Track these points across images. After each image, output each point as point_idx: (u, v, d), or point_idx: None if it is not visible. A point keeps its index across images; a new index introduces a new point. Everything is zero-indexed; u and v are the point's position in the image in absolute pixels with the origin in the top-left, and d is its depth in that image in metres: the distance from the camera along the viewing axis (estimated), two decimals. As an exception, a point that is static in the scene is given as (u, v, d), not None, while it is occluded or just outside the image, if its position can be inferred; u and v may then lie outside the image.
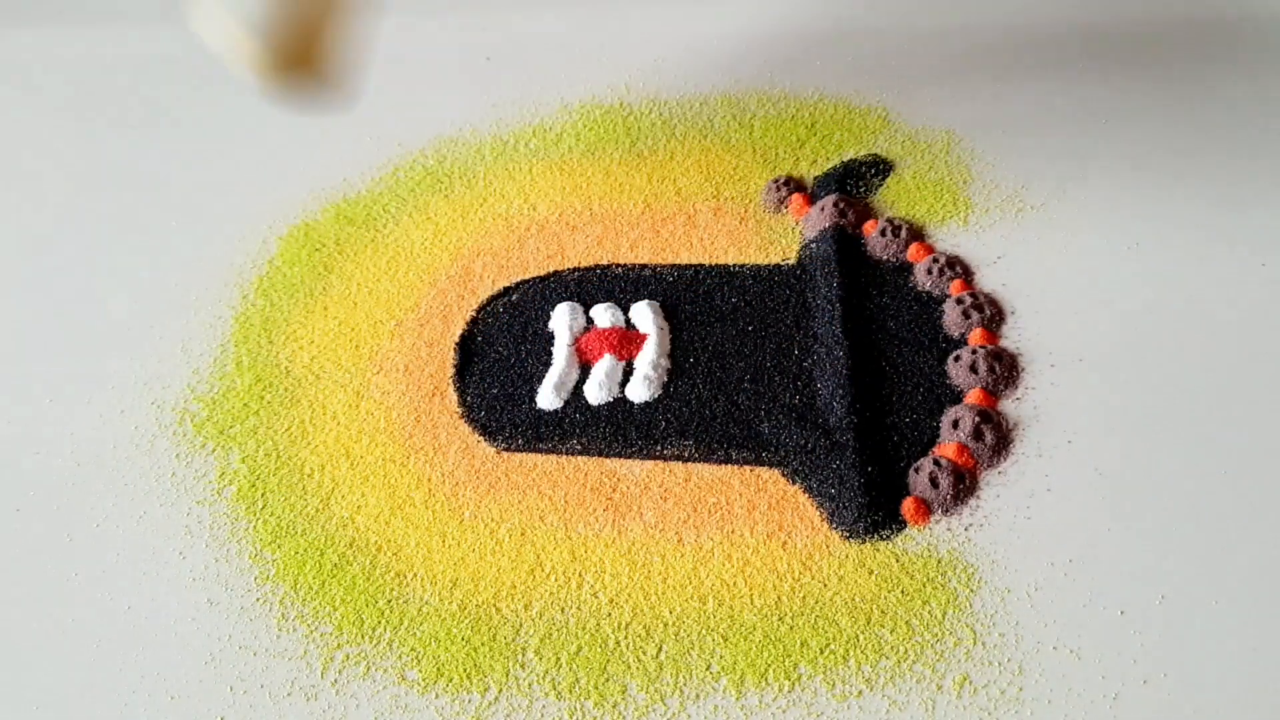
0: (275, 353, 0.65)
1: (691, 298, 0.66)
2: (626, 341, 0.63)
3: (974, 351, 0.60)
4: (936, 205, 0.70)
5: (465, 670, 0.50)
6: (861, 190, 0.71)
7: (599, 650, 0.50)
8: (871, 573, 0.52)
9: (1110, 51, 0.81)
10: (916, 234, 0.68)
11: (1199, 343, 0.60)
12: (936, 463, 0.55)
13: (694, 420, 0.59)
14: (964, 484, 0.55)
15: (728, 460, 0.57)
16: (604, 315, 0.65)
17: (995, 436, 0.56)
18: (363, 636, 0.52)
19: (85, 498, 0.59)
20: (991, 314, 0.62)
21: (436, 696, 0.49)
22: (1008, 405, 0.58)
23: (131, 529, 0.57)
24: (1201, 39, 0.81)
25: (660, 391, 0.61)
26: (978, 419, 0.56)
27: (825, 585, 0.52)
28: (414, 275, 0.69)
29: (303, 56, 0.51)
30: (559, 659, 0.50)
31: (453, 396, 0.62)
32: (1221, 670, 0.47)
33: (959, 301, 0.62)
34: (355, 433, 0.60)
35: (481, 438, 0.60)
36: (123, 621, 0.53)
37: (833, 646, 0.49)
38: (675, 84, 0.82)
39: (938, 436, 0.57)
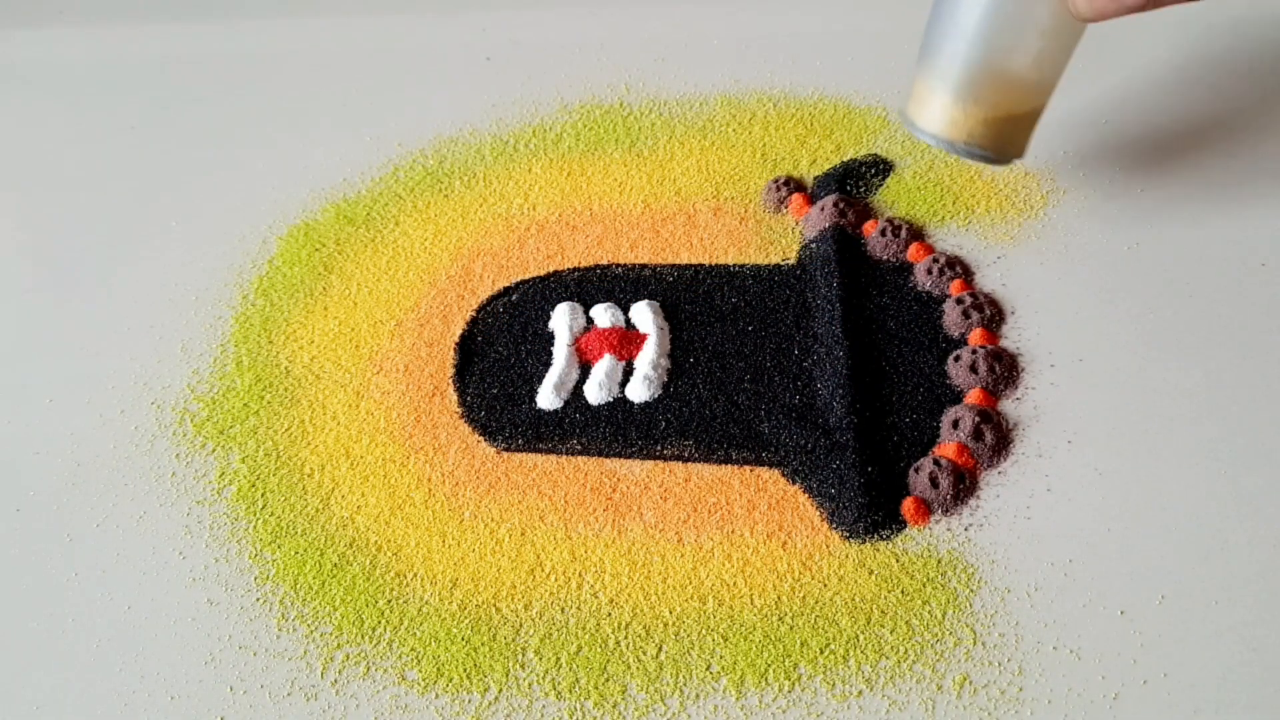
0: (275, 353, 0.65)
1: (691, 298, 0.66)
2: (626, 341, 0.63)
3: (974, 351, 0.60)
4: (936, 205, 0.70)
5: (465, 670, 0.50)
6: (861, 190, 0.71)
7: (599, 650, 0.50)
8: (871, 573, 0.52)
9: (1110, 51, 0.81)
10: (916, 234, 0.68)
11: (1199, 343, 0.60)
12: (936, 463, 0.55)
13: (694, 420, 0.59)
14: (964, 484, 0.55)
15: (728, 460, 0.57)
16: (604, 315, 0.65)
17: (995, 436, 0.56)
18: (363, 636, 0.52)
19: (85, 498, 0.59)
20: (991, 314, 0.62)
21: (436, 696, 0.49)
22: (1008, 405, 0.59)
23: (131, 529, 0.57)
24: (1201, 39, 0.81)
25: (660, 391, 0.61)
26: (978, 419, 0.56)
27: (825, 585, 0.52)
28: (414, 275, 0.69)
29: (1014, 127, 0.54)
30: (559, 659, 0.50)
31: (453, 396, 0.62)
32: (1221, 670, 0.47)
33: (959, 301, 0.63)
34: (355, 433, 0.60)
35: (481, 438, 0.60)
36: (123, 621, 0.53)
37: (833, 646, 0.49)
38: (675, 84, 0.82)
39: (938, 436, 0.57)
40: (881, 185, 0.72)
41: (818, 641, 0.50)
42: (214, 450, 0.60)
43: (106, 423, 0.63)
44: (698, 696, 0.48)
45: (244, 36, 0.92)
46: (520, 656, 0.50)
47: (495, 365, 0.63)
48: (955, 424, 0.57)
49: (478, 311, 0.66)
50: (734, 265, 0.67)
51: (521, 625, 0.51)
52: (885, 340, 0.62)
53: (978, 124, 0.52)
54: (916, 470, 0.55)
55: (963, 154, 0.54)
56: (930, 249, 0.67)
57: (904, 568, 0.52)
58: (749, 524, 0.54)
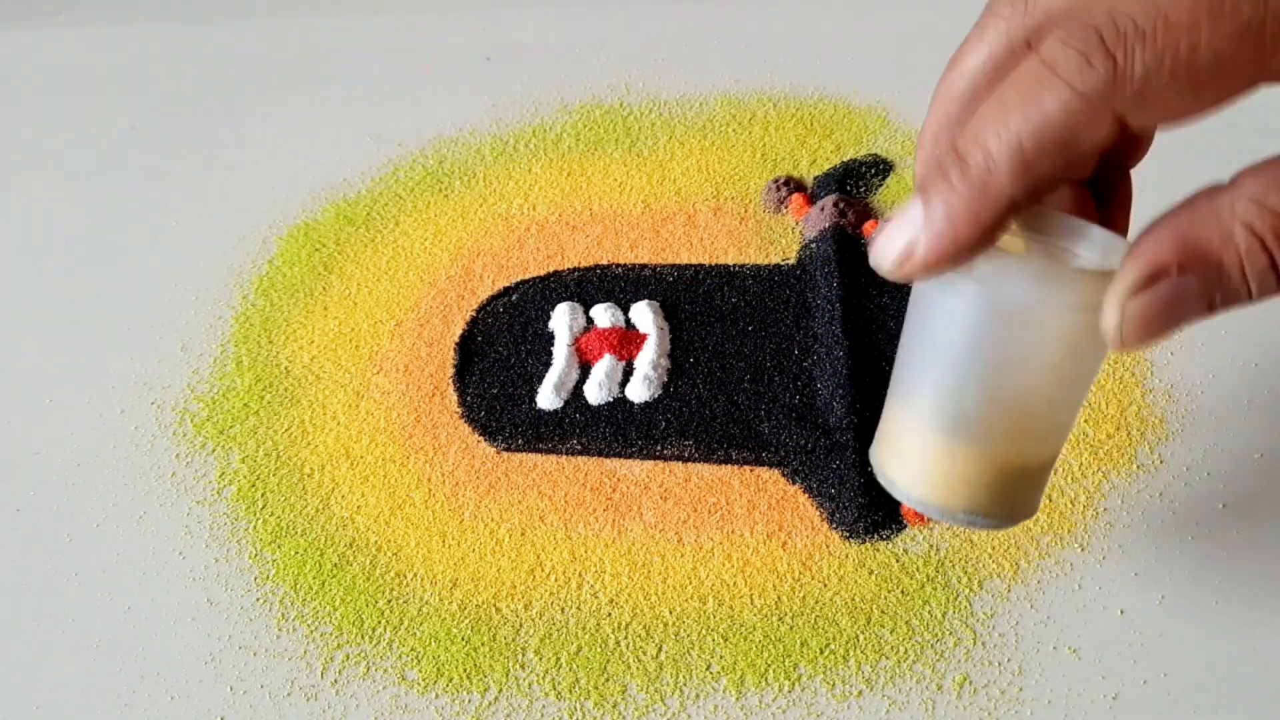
0: (275, 353, 0.65)
1: (691, 298, 0.66)
2: (626, 341, 0.63)
3: (974, 351, 0.60)
4: (936, 205, 0.69)
5: (465, 670, 0.50)
6: (861, 190, 0.71)
7: (599, 650, 0.50)
8: (871, 573, 0.52)
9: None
10: (916, 234, 0.68)
11: (1197, 341, 0.60)
12: (936, 463, 0.55)
13: (694, 420, 0.59)
14: (964, 484, 0.55)
15: (728, 460, 0.57)
16: (604, 315, 0.65)
17: (995, 436, 0.56)
18: (363, 636, 0.52)
19: (85, 498, 0.59)
20: (991, 314, 0.62)
21: (436, 696, 0.49)
22: (1008, 405, 0.58)
23: (131, 529, 0.57)
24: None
25: (660, 391, 0.61)
26: (978, 419, 0.56)
27: (825, 585, 0.52)
28: (414, 275, 0.69)
29: (1024, 482, 0.39)
30: (559, 659, 0.50)
31: (453, 396, 0.62)
32: (1221, 670, 0.47)
33: (959, 301, 0.62)
34: (355, 433, 0.60)
35: (481, 438, 0.60)
36: (123, 621, 0.53)
37: (833, 646, 0.49)
38: (675, 84, 0.82)
39: (938, 436, 0.57)
40: (881, 185, 0.72)
41: (818, 641, 0.50)
42: (214, 450, 0.60)
43: (106, 423, 0.63)
44: (698, 696, 0.48)
45: (244, 36, 0.92)
46: (520, 656, 0.50)
47: (495, 365, 0.63)
48: (955, 424, 0.57)
49: (478, 311, 0.66)
50: (734, 265, 0.67)
51: (521, 625, 0.51)
52: (885, 340, 0.62)
53: (978, 486, 0.38)
54: (916, 470, 0.55)
55: (960, 522, 0.39)
56: (930, 249, 0.67)
57: (904, 568, 0.52)
58: (749, 524, 0.54)
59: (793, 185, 0.71)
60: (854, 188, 0.71)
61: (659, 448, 0.58)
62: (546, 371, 0.62)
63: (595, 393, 0.61)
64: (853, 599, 0.51)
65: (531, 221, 0.72)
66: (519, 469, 0.58)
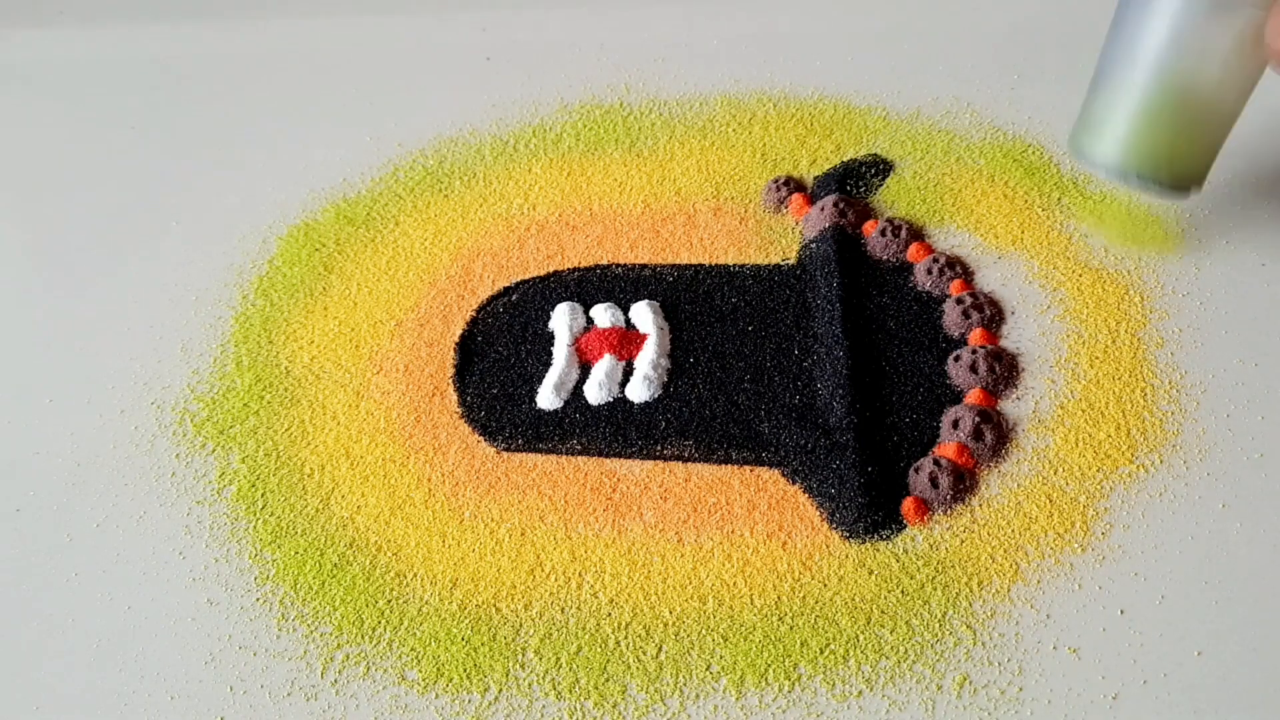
0: (275, 353, 0.65)
1: (691, 298, 0.66)
2: (626, 341, 0.63)
3: (974, 351, 0.60)
4: (936, 205, 0.70)
5: (465, 670, 0.50)
6: (861, 190, 0.71)
7: (599, 650, 0.50)
8: (871, 573, 0.52)
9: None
10: (916, 234, 0.68)
11: (1198, 341, 0.60)
12: (936, 463, 0.55)
13: (694, 420, 0.59)
14: (964, 484, 0.55)
15: (728, 460, 0.57)
16: (604, 315, 0.65)
17: (995, 436, 0.56)
18: (363, 636, 0.52)
19: (85, 498, 0.59)
20: (991, 314, 0.62)
21: (436, 696, 0.49)
22: (1008, 405, 0.59)
23: (131, 529, 0.57)
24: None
25: (660, 391, 0.61)
26: (978, 419, 0.56)
27: (825, 585, 0.52)
28: (414, 275, 0.69)
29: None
30: (559, 659, 0.50)
31: (453, 396, 0.62)
32: (1221, 670, 0.47)
33: (959, 301, 0.63)
34: (355, 433, 0.60)
35: (481, 438, 0.60)
36: (123, 621, 0.53)
37: (833, 646, 0.49)
38: (675, 84, 0.82)
39: (938, 436, 0.57)
40: (881, 185, 0.72)
41: (818, 641, 0.50)
42: (214, 450, 0.61)
43: (106, 423, 0.63)
44: (698, 696, 0.48)
45: (244, 36, 0.92)
46: (520, 656, 0.50)
47: (495, 365, 0.63)
48: (955, 424, 0.57)
49: (478, 311, 0.66)
50: (734, 265, 0.67)
51: (521, 625, 0.51)
52: (885, 340, 0.62)
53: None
54: (916, 470, 0.55)
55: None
56: (930, 249, 0.67)
57: (904, 568, 0.52)
58: (749, 524, 0.54)
59: (793, 185, 0.71)
60: (854, 188, 0.71)
61: (659, 448, 0.58)
62: (546, 371, 0.62)
63: (595, 393, 0.61)
64: (853, 599, 0.51)
65: (531, 221, 0.72)
66: (519, 469, 0.58)
